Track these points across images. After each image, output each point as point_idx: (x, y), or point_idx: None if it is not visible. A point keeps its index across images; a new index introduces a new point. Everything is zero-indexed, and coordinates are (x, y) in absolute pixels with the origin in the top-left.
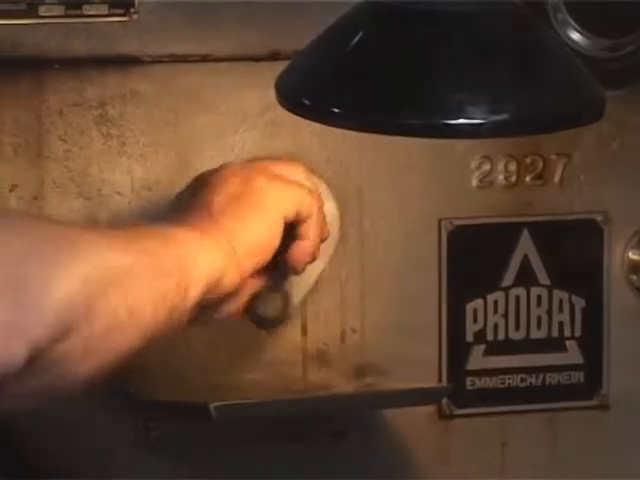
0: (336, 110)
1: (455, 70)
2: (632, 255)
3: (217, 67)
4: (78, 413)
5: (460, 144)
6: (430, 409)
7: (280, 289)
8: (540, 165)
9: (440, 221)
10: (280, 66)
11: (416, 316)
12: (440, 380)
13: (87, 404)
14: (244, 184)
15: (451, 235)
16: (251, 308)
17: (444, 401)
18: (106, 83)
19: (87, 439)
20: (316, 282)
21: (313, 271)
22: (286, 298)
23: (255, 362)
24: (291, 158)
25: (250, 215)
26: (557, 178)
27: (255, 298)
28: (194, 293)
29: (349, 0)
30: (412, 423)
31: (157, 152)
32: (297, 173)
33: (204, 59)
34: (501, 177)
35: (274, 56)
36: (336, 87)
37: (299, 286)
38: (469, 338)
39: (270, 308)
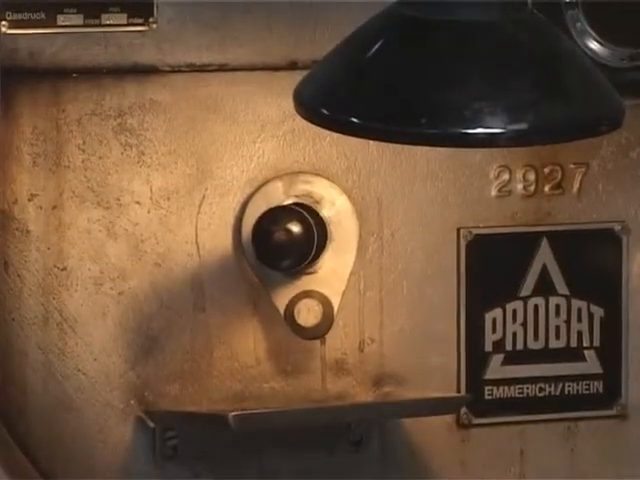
0: (355, 120)
1: (473, 80)
2: None
3: (236, 76)
4: (96, 422)
5: (479, 154)
6: (448, 418)
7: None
8: (559, 175)
9: (459, 230)
10: (298, 76)
11: (435, 325)
12: (458, 389)
13: (106, 414)
14: None
15: (470, 244)
16: (291, 319)
17: (462, 410)
18: (125, 92)
19: (106, 448)
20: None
21: (344, 275)
22: (325, 303)
23: (274, 371)
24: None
25: None
26: (576, 187)
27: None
28: None
29: (367, 11)
30: (430, 432)
31: (176, 161)
32: None
33: (223, 68)
34: (520, 186)
35: (292, 66)
36: (354, 97)
37: (335, 289)
38: (488, 347)
39: (311, 317)
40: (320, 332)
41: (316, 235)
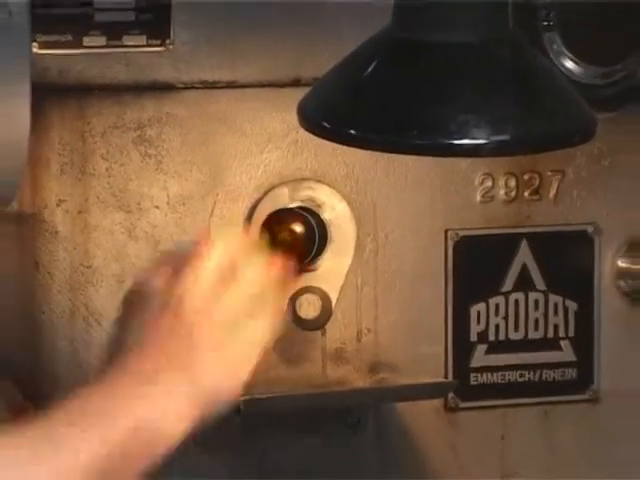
0: (353, 132)
1: (460, 95)
2: (620, 263)
3: (244, 93)
4: None
5: (464, 162)
6: (437, 402)
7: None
8: (537, 181)
9: (447, 232)
10: (302, 92)
11: (425, 318)
12: (446, 376)
13: None
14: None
15: (457, 245)
16: (293, 312)
17: (450, 395)
18: (144, 107)
19: None
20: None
21: (343, 269)
22: (325, 298)
23: (279, 360)
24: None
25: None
26: (552, 193)
27: (294, 301)
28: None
29: (364, 33)
30: (421, 415)
31: (190, 170)
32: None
33: (232, 85)
34: (502, 192)
35: (296, 83)
36: (352, 111)
37: (333, 285)
38: (473, 338)
39: (311, 310)
40: (319, 324)
41: (317, 236)
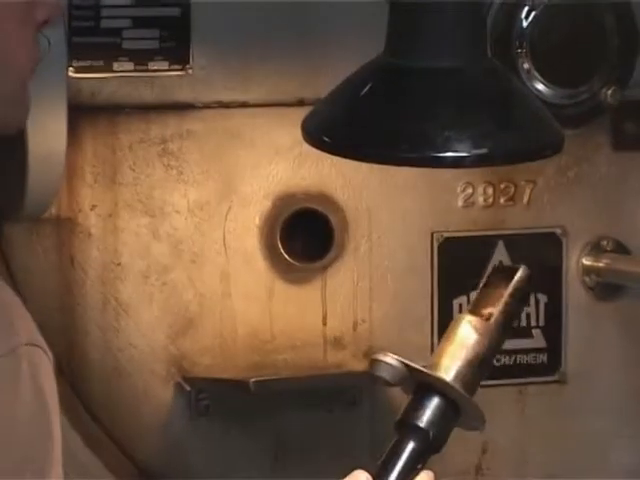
0: (350, 146)
1: (444, 114)
2: (585, 261)
3: (255, 111)
4: (144, 386)
5: (448, 173)
6: None
7: None
8: (512, 189)
9: (432, 234)
10: (305, 111)
11: (413, 309)
12: None
13: (152, 379)
14: None
15: (441, 245)
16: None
17: None
18: (166, 124)
19: (151, 407)
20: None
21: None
22: None
23: (286, 346)
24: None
25: None
26: (525, 200)
27: None
28: None
29: (360, 59)
30: None
31: (207, 179)
32: None
33: (244, 105)
34: (481, 199)
35: (300, 103)
36: (350, 128)
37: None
38: None
39: None
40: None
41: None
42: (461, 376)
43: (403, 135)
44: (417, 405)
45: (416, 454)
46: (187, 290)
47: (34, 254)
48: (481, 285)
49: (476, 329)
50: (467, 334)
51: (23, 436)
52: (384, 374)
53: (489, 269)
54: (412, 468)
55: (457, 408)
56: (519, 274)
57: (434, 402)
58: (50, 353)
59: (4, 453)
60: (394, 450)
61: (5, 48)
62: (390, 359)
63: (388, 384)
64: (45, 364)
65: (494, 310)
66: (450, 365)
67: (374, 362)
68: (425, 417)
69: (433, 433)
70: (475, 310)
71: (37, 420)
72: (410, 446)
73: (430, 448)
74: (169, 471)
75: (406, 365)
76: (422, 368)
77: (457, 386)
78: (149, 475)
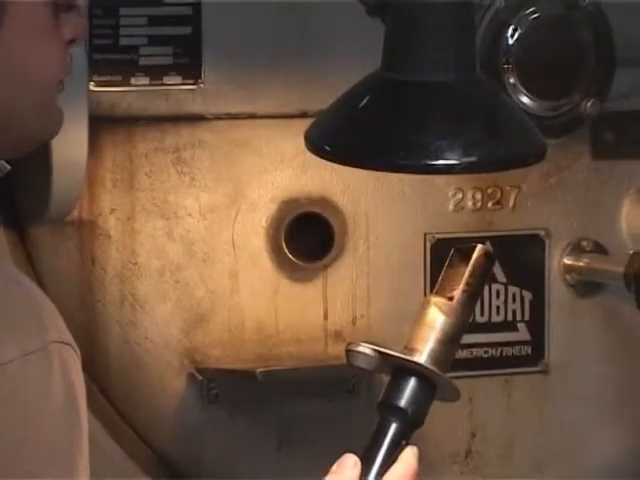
0: (349, 154)
1: (436, 125)
2: (566, 260)
3: (261, 122)
4: (159, 376)
5: (440, 179)
6: None
7: None
8: (498, 194)
9: (425, 235)
10: (308, 122)
11: (407, 305)
12: None
13: (166, 370)
14: None
15: (433, 246)
16: None
17: None
18: (180, 134)
19: (165, 395)
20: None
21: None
22: None
23: (290, 339)
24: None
25: None
26: (511, 204)
27: None
28: None
29: (360, 73)
30: None
31: (218, 185)
32: None
33: (252, 116)
34: (470, 203)
35: (303, 114)
36: (349, 137)
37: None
38: None
39: None
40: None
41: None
42: (433, 355)
43: (399, 144)
44: (395, 387)
45: (399, 432)
46: (199, 287)
47: (58, 255)
48: (444, 267)
49: (442, 310)
50: (434, 316)
51: (55, 428)
52: (360, 363)
53: (452, 251)
54: (397, 445)
55: (433, 385)
56: (476, 253)
57: (411, 383)
58: (78, 350)
59: (37, 444)
60: (379, 430)
61: (37, 65)
62: (363, 348)
63: (366, 371)
64: (74, 361)
65: (457, 290)
66: (422, 347)
67: (349, 353)
68: (404, 397)
69: (412, 411)
70: (440, 291)
71: (68, 413)
72: (393, 425)
73: (411, 425)
74: (182, 454)
75: (379, 352)
76: (395, 353)
77: (430, 365)
78: (163, 457)
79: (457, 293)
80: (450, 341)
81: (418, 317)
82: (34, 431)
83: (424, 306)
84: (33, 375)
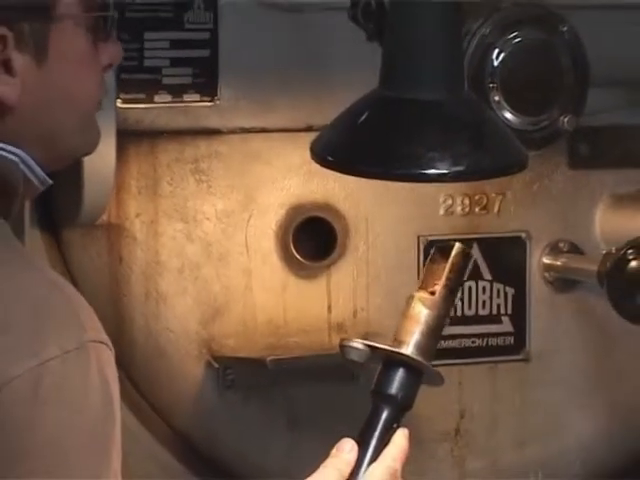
0: (350, 164)
1: (429, 138)
2: (545, 260)
3: (271, 136)
4: (180, 364)
5: (431, 187)
6: None
7: None
8: (485, 200)
9: (419, 237)
10: (313, 135)
11: (402, 300)
12: None
13: (186, 359)
14: None
15: (426, 247)
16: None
17: None
18: (198, 146)
19: (186, 382)
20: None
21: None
22: None
23: (297, 330)
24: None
25: None
26: (496, 209)
27: None
28: None
29: (360, 92)
30: None
31: (232, 192)
32: None
33: (263, 130)
34: (459, 208)
35: (309, 129)
36: (350, 149)
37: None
38: None
39: None
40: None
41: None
42: (418, 346)
43: (395, 155)
44: (386, 376)
45: (390, 416)
46: (215, 284)
47: (89, 255)
48: (426, 263)
49: (425, 304)
50: (418, 310)
51: (91, 419)
52: (353, 356)
53: (433, 249)
54: (389, 428)
55: (419, 373)
56: (454, 251)
57: (399, 372)
58: (112, 347)
59: (76, 433)
60: (372, 415)
61: (80, 89)
62: (355, 343)
63: (358, 364)
64: (109, 358)
65: (438, 285)
66: (408, 339)
67: (342, 348)
68: (394, 385)
69: (401, 397)
70: (423, 286)
71: (103, 406)
72: (385, 411)
73: (401, 409)
74: (201, 434)
75: (370, 346)
76: (384, 346)
77: (416, 356)
78: (184, 436)
79: (438, 289)
80: (433, 332)
81: (404, 311)
82: (73, 421)
83: (409, 301)
84: (72, 371)
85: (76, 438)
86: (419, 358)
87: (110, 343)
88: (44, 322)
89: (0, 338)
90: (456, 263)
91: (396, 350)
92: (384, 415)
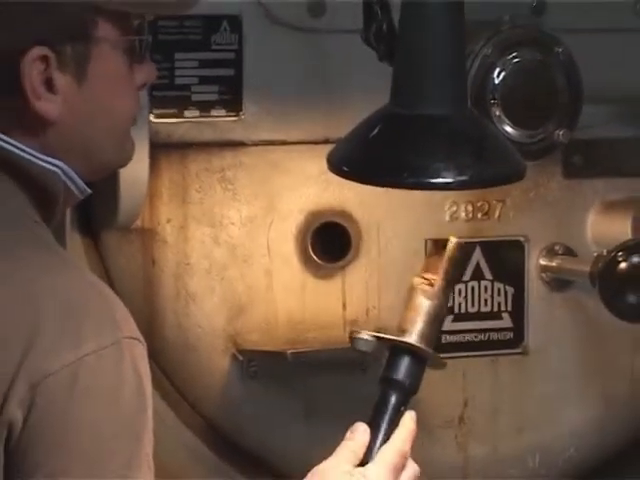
0: (364, 174)
1: (435, 150)
2: (542, 262)
3: (292, 148)
4: (207, 357)
5: (438, 194)
6: None
7: None
8: (486, 207)
9: (426, 241)
10: (330, 147)
11: None
12: None
13: (213, 352)
14: None
15: None
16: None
17: None
18: (224, 157)
19: (213, 374)
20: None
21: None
22: None
23: (315, 326)
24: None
25: None
26: (497, 215)
27: None
28: None
29: (372, 107)
30: None
31: (255, 199)
32: None
33: (284, 143)
34: (463, 214)
35: (326, 141)
36: (363, 160)
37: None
38: None
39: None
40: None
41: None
42: (422, 335)
43: (404, 166)
44: (393, 364)
45: (398, 400)
46: (240, 284)
47: (124, 256)
48: (426, 255)
49: (426, 295)
50: (420, 302)
51: (126, 410)
52: (362, 347)
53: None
54: (397, 411)
55: (423, 359)
56: (450, 246)
57: (405, 360)
58: (145, 344)
59: (112, 422)
60: (382, 400)
61: (118, 107)
62: (364, 335)
63: (367, 354)
64: (142, 353)
65: (437, 277)
66: (411, 328)
67: (352, 340)
68: (400, 372)
69: (408, 382)
70: (422, 275)
71: (136, 398)
72: (393, 395)
73: (408, 394)
74: (226, 421)
75: (377, 337)
76: (390, 336)
77: (419, 344)
78: (211, 423)
79: (438, 280)
80: (434, 321)
81: (407, 302)
82: (108, 412)
83: (410, 292)
84: (107, 366)
85: (111, 427)
86: (422, 345)
87: (143, 339)
88: (82, 320)
89: (40, 336)
90: (453, 257)
91: (402, 339)
92: (393, 399)
